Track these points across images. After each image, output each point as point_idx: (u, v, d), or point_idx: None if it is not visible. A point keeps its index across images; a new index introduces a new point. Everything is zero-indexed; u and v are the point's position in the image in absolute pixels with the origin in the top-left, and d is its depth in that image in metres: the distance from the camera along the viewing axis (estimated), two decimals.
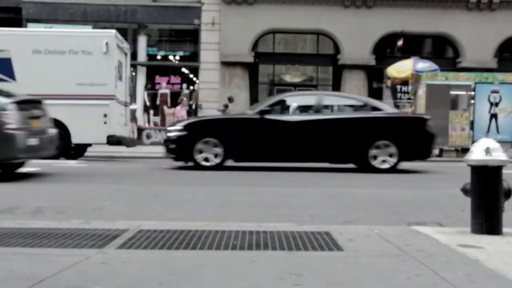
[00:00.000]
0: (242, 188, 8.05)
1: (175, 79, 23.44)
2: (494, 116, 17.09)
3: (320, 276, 2.95)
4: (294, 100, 11.96)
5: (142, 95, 22.91)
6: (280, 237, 3.96)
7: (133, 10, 22.45)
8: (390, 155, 10.97)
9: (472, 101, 17.03)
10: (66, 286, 2.72)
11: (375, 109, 11.52)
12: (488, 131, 16.57)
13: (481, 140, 4.18)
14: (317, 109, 11.45)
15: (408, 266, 3.17)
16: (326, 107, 11.77)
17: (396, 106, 23.48)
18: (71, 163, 11.52)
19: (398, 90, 23.40)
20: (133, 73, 21.70)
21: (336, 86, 23.06)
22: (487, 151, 4.05)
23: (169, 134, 11.36)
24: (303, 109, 11.67)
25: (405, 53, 20.95)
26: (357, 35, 22.06)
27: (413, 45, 22.49)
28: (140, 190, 7.63)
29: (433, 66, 18.50)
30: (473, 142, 13.87)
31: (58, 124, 11.74)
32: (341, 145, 11.11)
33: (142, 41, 23.02)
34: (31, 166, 10.71)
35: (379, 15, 22.24)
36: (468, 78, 17.24)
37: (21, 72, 13.82)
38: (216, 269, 3.09)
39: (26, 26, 21.17)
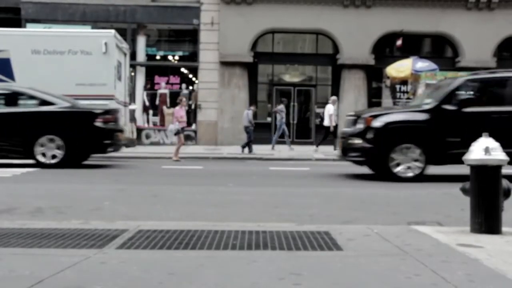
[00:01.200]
0: (243, 188, 8.05)
1: (174, 79, 23.40)
2: None
3: (320, 276, 2.95)
4: None
5: (141, 95, 22.87)
6: (280, 237, 3.96)
7: (132, 10, 22.42)
8: (58, 149, 10.75)
9: None
10: (66, 286, 2.73)
11: (48, 103, 11.12)
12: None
13: (480, 140, 4.17)
14: None
15: (408, 266, 3.17)
16: None
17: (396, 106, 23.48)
18: None
19: (398, 89, 23.37)
20: (132, 73, 21.68)
21: (336, 85, 23.03)
22: (487, 150, 4.05)
23: None
24: None
25: (404, 53, 20.91)
26: (356, 35, 22.04)
27: (412, 44, 22.46)
28: (140, 190, 7.63)
29: (432, 65, 18.46)
30: None
31: None
32: (4, 140, 10.82)
33: (141, 41, 22.99)
34: (31, 167, 10.71)
35: (378, 14, 22.22)
36: None
37: (20, 72, 13.82)
38: (216, 269, 3.09)
39: (25, 26, 21.13)
